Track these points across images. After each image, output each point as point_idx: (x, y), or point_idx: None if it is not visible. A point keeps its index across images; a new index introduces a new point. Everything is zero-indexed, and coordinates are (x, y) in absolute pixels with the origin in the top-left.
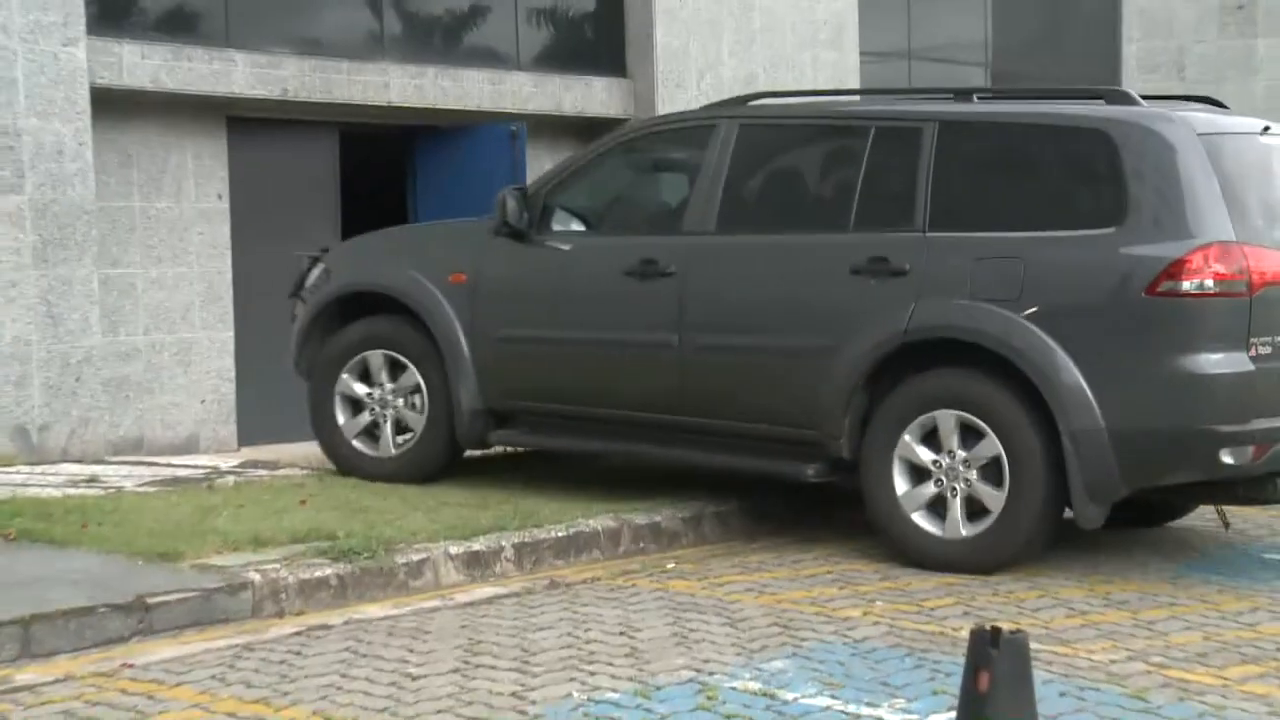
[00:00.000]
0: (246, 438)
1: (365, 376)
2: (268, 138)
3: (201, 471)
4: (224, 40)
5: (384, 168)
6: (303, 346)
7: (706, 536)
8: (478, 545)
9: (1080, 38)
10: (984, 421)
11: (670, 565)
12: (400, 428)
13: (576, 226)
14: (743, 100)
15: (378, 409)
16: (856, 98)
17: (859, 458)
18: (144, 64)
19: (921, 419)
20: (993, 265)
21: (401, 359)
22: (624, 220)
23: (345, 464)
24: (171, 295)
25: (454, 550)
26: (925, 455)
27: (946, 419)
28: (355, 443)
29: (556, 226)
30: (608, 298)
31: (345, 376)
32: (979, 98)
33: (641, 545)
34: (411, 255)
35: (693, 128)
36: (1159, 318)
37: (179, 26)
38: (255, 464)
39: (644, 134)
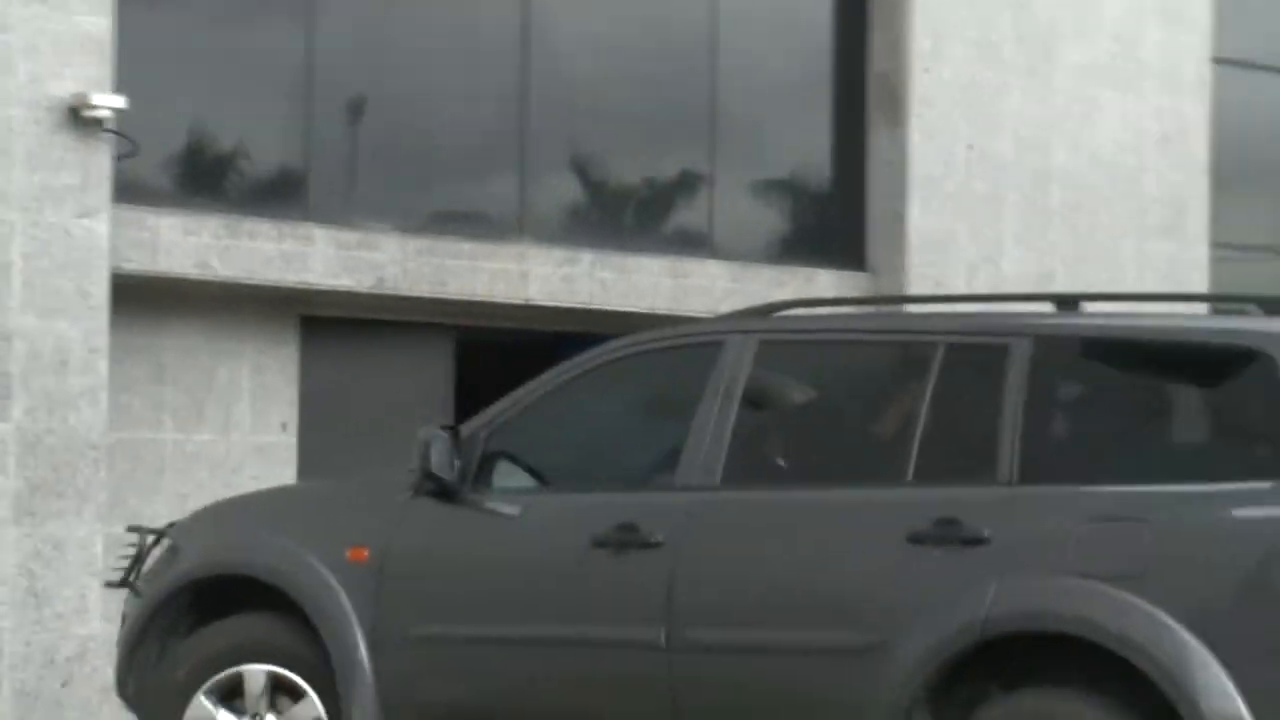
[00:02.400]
0: None
1: (231, 702)
2: (355, 346)
3: None
4: (301, 212)
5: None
6: (131, 659)
7: None
8: None
9: None
10: None
11: None
12: None
13: (527, 480)
14: (765, 311)
15: None
16: (924, 306)
17: None
18: (188, 242)
19: None
20: (1108, 531)
21: (296, 680)
22: (594, 472)
23: None
24: None
25: None
26: None
27: None
28: None
29: (500, 481)
30: (568, 579)
31: (203, 700)
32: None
33: None
34: (295, 525)
35: (693, 346)
36: None
37: (238, 192)
38: None
39: (624, 354)
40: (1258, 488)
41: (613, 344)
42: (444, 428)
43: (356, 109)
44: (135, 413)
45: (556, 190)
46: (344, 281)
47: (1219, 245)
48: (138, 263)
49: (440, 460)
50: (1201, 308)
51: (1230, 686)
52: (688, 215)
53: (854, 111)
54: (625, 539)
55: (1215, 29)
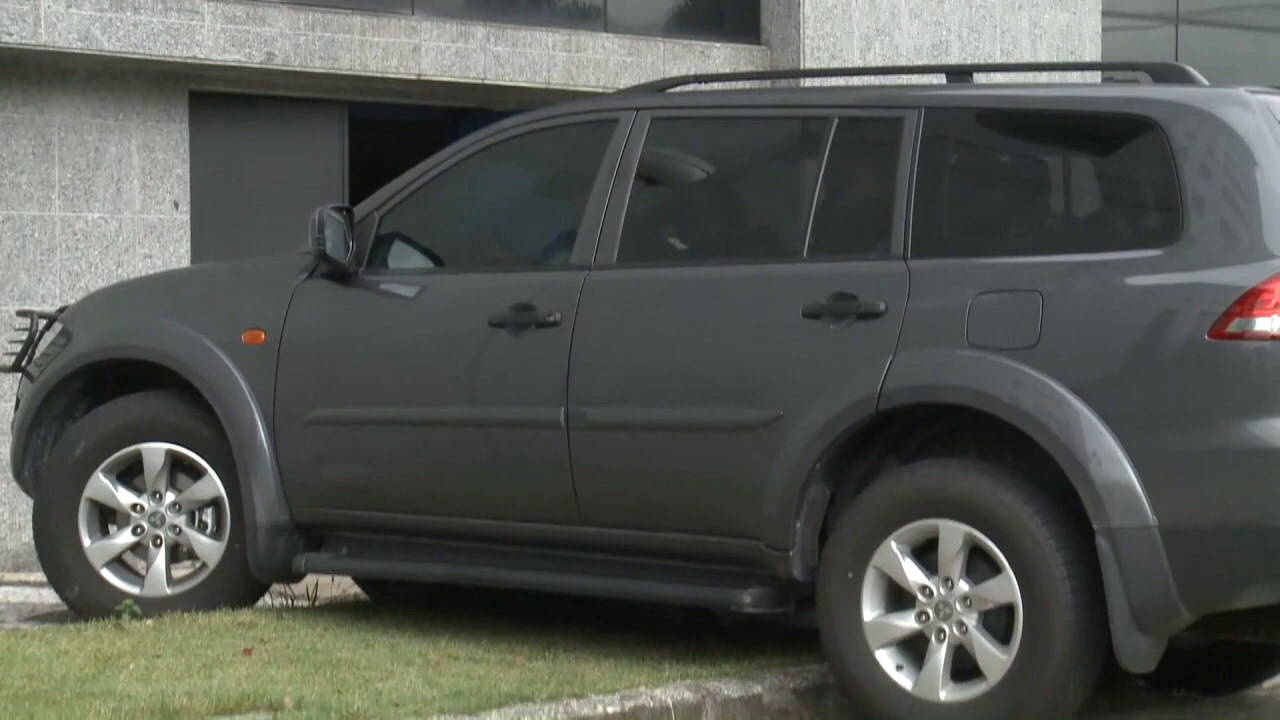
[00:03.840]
0: None
1: (129, 480)
2: (246, 122)
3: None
4: None
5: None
6: (27, 442)
7: None
8: None
9: None
10: (997, 544)
11: None
12: (178, 554)
13: (423, 261)
14: (658, 86)
15: (147, 526)
16: (814, 80)
17: (816, 579)
18: (70, 15)
19: (908, 529)
20: (1000, 302)
21: (195, 458)
22: (490, 251)
23: (84, 603)
24: None
25: None
26: (914, 576)
27: (951, 535)
28: (106, 573)
29: (395, 262)
30: (465, 359)
31: (101, 477)
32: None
33: None
34: (188, 307)
35: (587, 124)
36: (1229, 369)
37: None
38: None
39: (518, 133)
40: (1148, 255)
41: (506, 122)
42: (337, 208)
43: None
44: (22, 190)
45: None
46: (233, 56)
47: (1111, 14)
48: (18, 36)
49: (334, 241)
50: (1094, 77)
51: (1119, 452)
52: None
53: None
54: (522, 319)
55: None
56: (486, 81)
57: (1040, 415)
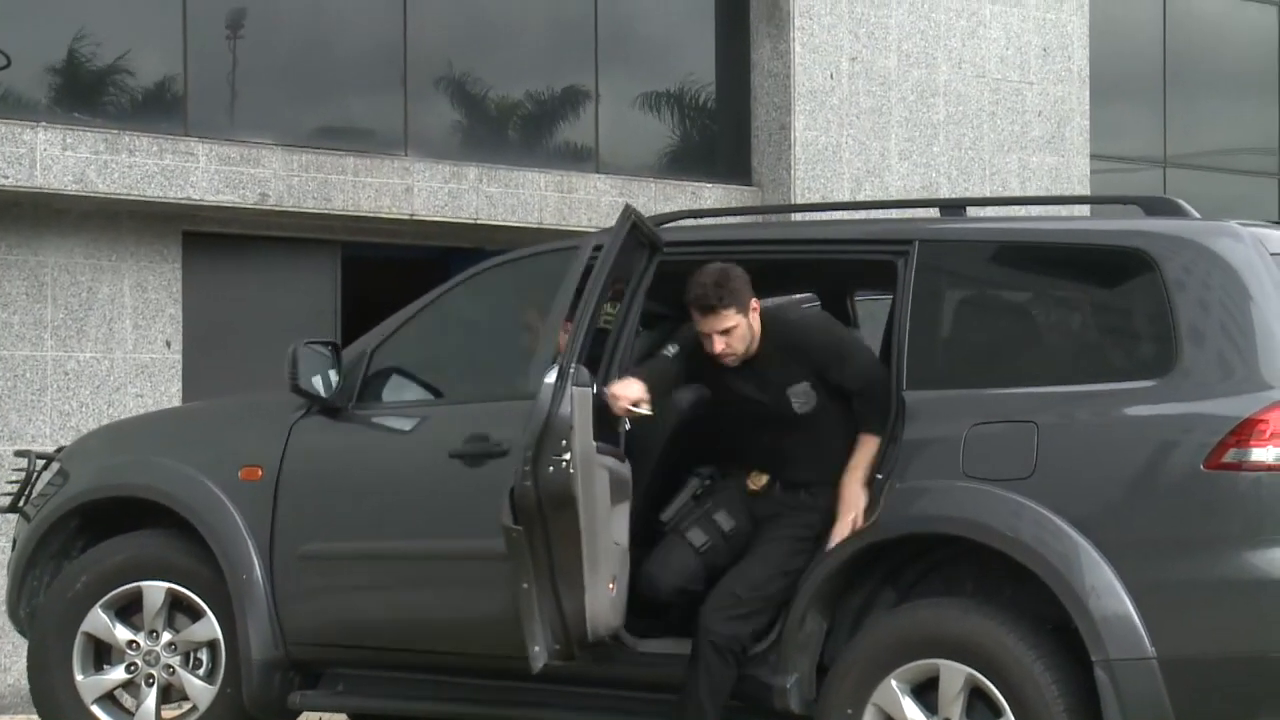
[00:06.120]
0: None
1: (128, 618)
2: (240, 262)
3: None
4: (181, 126)
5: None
6: (23, 581)
7: None
8: None
9: None
10: (998, 687)
11: None
12: (169, 694)
13: (415, 394)
14: (657, 222)
15: (141, 664)
16: (808, 215)
17: (813, 712)
18: (66, 157)
19: (909, 668)
20: (995, 433)
21: (195, 599)
22: (462, 384)
23: None
24: None
25: None
26: (913, 716)
27: (952, 676)
28: (95, 709)
29: (390, 396)
30: (431, 491)
31: (100, 613)
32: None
33: None
34: (187, 444)
35: (552, 254)
36: (1226, 499)
37: (116, 106)
38: None
39: (491, 268)
40: (1144, 386)
41: (487, 261)
42: (320, 343)
43: (236, 21)
44: (15, 330)
45: (441, 105)
46: (227, 197)
47: (1099, 157)
48: (14, 178)
49: (308, 375)
50: (1085, 211)
51: (1118, 584)
52: (573, 129)
53: (737, 24)
54: (477, 450)
55: None
56: (479, 221)
57: (1039, 547)
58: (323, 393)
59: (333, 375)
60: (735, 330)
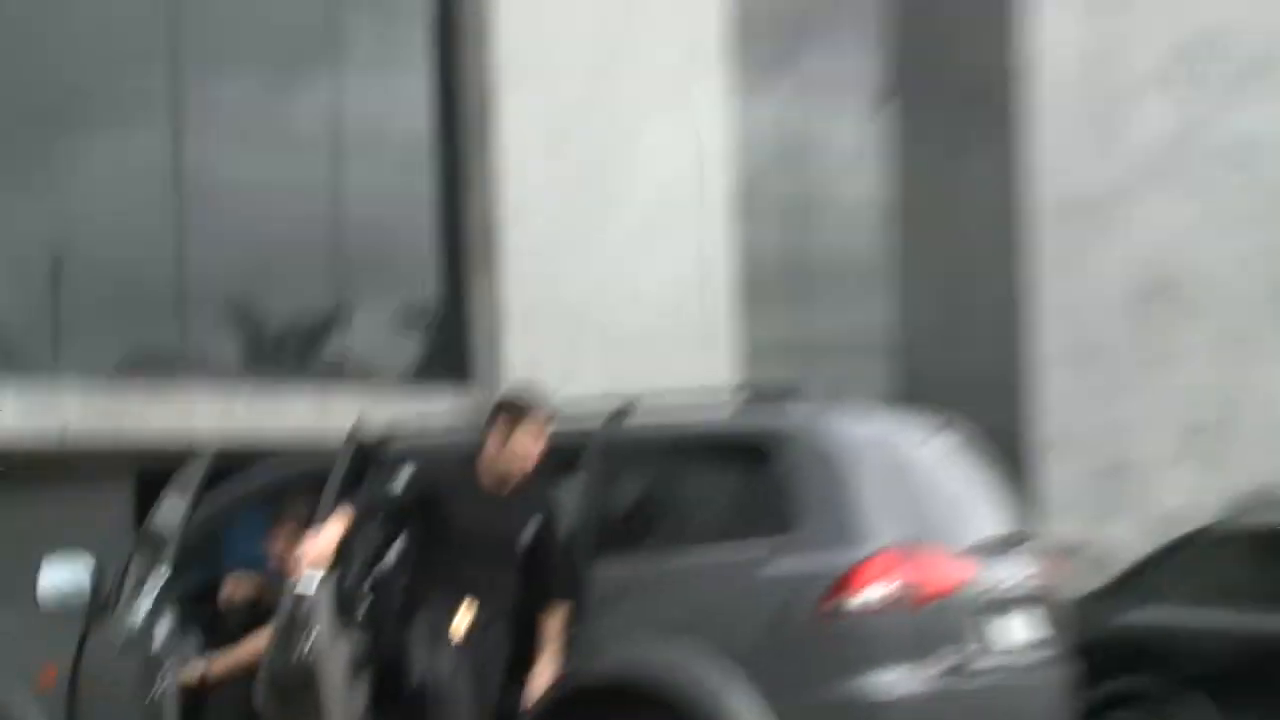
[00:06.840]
0: None
1: None
2: (36, 493)
3: None
4: None
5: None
6: None
7: None
8: None
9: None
10: None
11: None
12: None
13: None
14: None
15: None
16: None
17: None
18: None
19: None
20: (663, 588)
21: None
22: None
23: None
24: None
25: None
26: None
27: None
28: None
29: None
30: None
31: None
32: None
33: None
34: None
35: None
36: (835, 638)
37: None
38: None
39: (238, 489)
40: (777, 541)
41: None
42: (68, 554)
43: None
44: None
45: (219, 333)
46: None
47: (749, 353)
48: None
49: (51, 585)
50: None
51: (768, 710)
52: (330, 347)
53: (460, 258)
54: None
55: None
56: (251, 436)
57: (692, 688)
58: (71, 600)
59: (92, 584)
60: None
